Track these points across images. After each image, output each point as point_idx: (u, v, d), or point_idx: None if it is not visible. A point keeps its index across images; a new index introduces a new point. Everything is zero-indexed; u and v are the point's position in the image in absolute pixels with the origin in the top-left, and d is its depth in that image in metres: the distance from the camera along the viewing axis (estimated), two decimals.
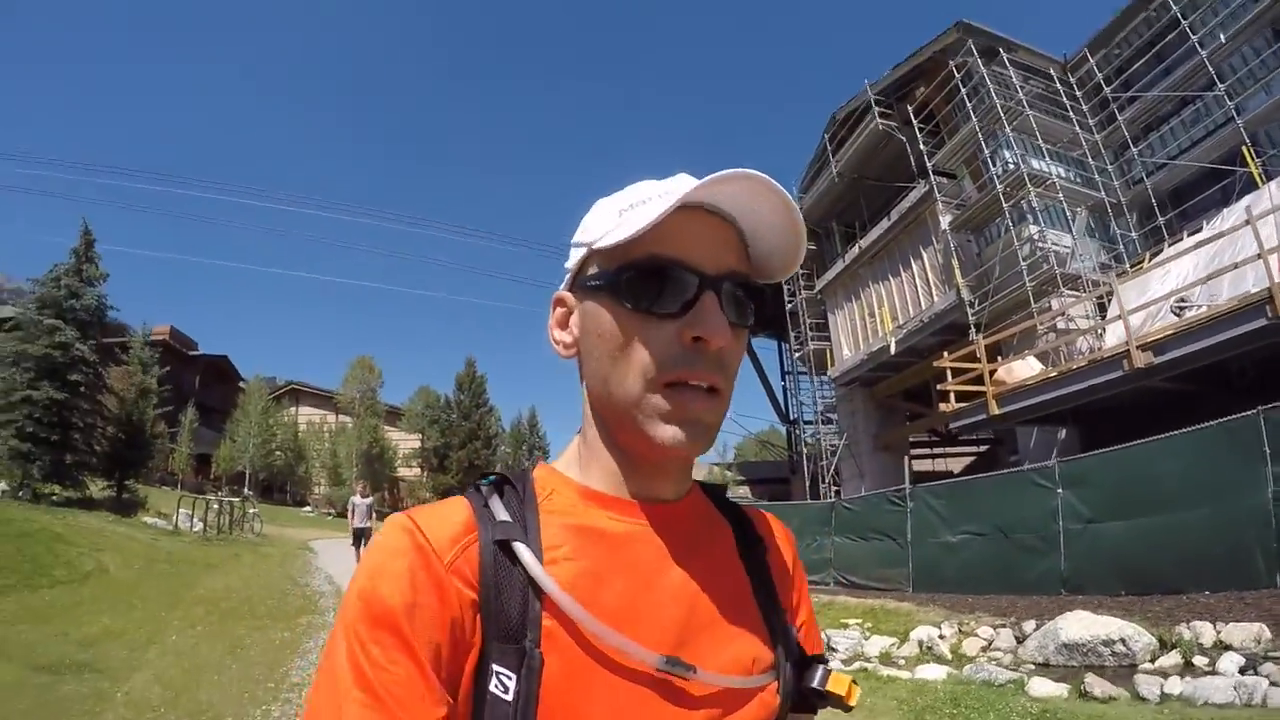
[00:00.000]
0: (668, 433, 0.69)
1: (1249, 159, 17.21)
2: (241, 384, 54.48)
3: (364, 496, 15.75)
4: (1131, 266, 17.40)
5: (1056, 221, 20.40)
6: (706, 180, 0.66)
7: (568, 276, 0.79)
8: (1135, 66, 21.43)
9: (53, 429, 17.13)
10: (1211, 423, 9.05)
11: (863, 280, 24.75)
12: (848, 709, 0.81)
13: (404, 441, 56.88)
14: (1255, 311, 10.96)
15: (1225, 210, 14.51)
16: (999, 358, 16.77)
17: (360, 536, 15.09)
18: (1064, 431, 17.50)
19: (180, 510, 19.68)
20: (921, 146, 22.34)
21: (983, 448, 25.98)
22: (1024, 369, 16.13)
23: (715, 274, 0.70)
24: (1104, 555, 9.88)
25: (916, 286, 22.40)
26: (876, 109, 23.81)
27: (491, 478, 0.76)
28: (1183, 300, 13.72)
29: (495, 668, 0.62)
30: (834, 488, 25.01)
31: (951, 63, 21.93)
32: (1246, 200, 13.30)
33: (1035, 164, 20.75)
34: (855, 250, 25.11)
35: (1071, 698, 6.51)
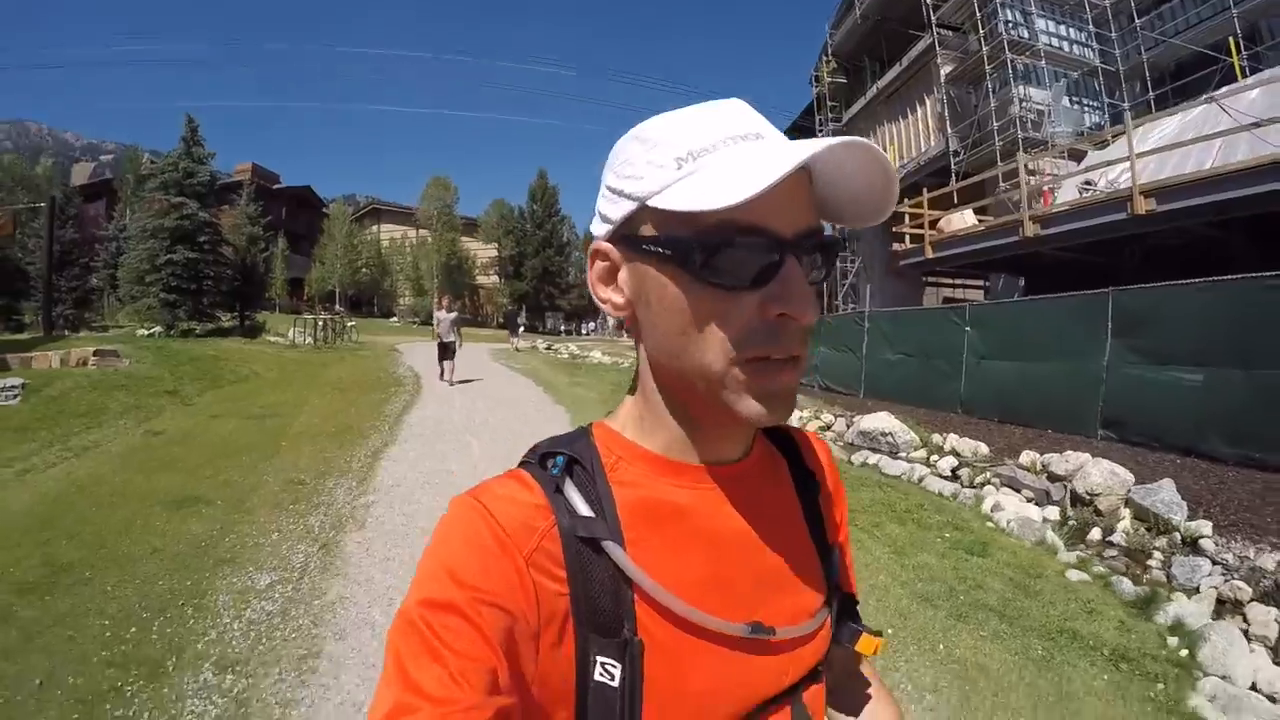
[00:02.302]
0: (753, 408, 0.65)
1: (1233, 50, 17.49)
2: (325, 210, 57.75)
3: (448, 311, 15.95)
4: (1112, 136, 17.38)
5: (1043, 84, 21.18)
6: (818, 150, 0.57)
7: (608, 227, 0.70)
8: None
9: (190, 280, 22.30)
10: (1076, 293, 10.11)
11: (879, 118, 26.39)
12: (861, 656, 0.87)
13: (481, 251, 60.19)
14: (1119, 206, 12.37)
15: (1213, 94, 14.19)
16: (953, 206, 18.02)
17: (445, 351, 15.46)
18: (1022, 280, 19.44)
19: (294, 329, 25.01)
20: (928, 0, 22.95)
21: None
22: (959, 221, 17.48)
23: (794, 236, 0.64)
24: (990, 386, 11.28)
25: (918, 130, 24.19)
26: None
27: (560, 459, 0.71)
28: (1088, 182, 15.14)
29: (599, 659, 0.63)
30: (850, 305, 26.63)
31: None
32: (1223, 91, 13.40)
33: (1040, 23, 21.49)
34: (874, 90, 26.37)
35: None
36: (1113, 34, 22.11)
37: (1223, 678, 3.94)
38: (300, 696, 3.41)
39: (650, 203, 0.65)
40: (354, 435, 9.58)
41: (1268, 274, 7.49)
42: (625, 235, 0.69)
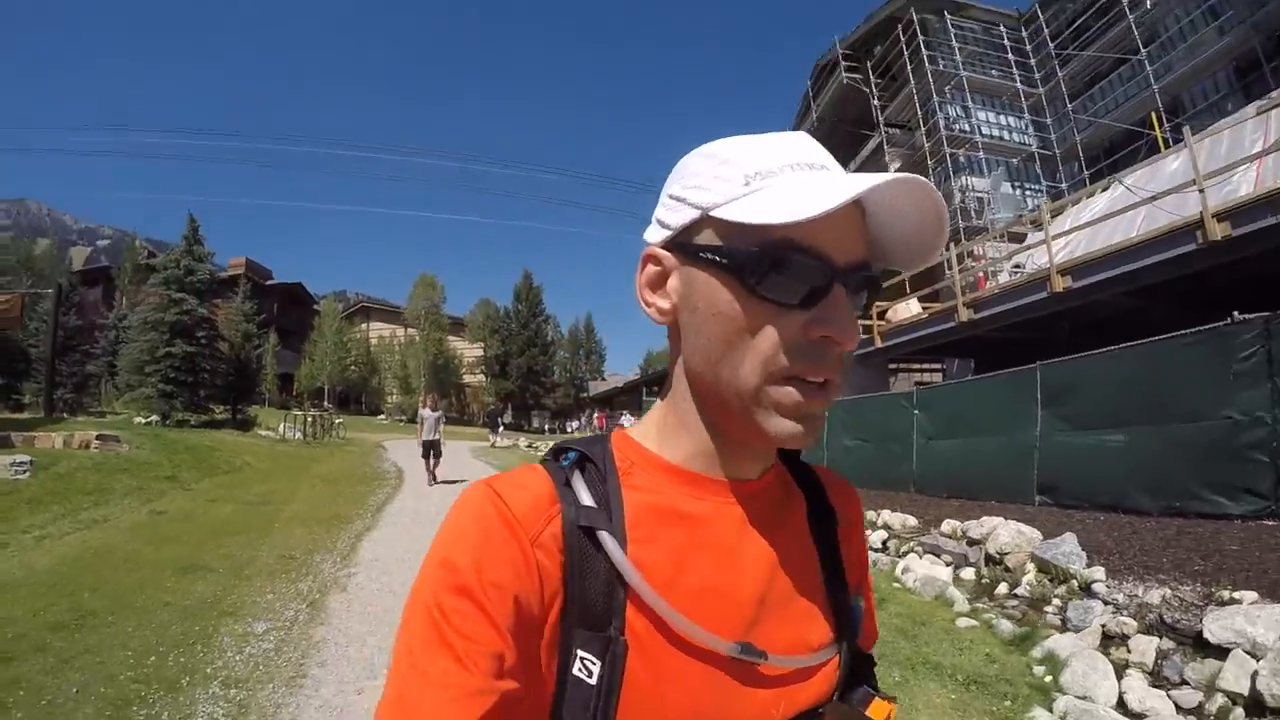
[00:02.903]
0: (783, 427, 0.67)
1: (1154, 124, 18.78)
2: (316, 307, 58.62)
3: (432, 410, 16.40)
4: (1051, 215, 17.58)
5: (983, 174, 22.90)
6: (881, 181, 0.60)
7: (666, 233, 0.72)
8: (1081, 21, 22.56)
9: (187, 373, 23.44)
10: (1008, 370, 10.61)
11: None
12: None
13: (467, 351, 61.06)
14: (1040, 285, 13.22)
15: (1128, 170, 15.27)
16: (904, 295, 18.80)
17: (430, 449, 15.83)
18: (973, 361, 20.16)
19: (284, 424, 26.05)
20: (876, 102, 24.97)
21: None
22: (905, 310, 18.36)
23: (844, 265, 0.66)
24: (938, 464, 11.71)
25: None
26: (844, 64, 26.56)
27: (572, 455, 0.74)
28: (1017, 266, 16.20)
29: (580, 652, 0.63)
30: None
31: (899, 26, 24.26)
32: (1149, 162, 14.37)
33: (981, 115, 23.32)
34: None
35: None
36: (1048, 120, 23.82)
37: (1081, 697, 4.64)
38: (289, 702, 4.36)
39: (714, 213, 0.66)
40: (340, 521, 10.58)
41: (1171, 335, 8.11)
42: (682, 243, 0.70)
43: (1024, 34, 25.22)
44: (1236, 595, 5.40)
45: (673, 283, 0.72)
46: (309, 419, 27.17)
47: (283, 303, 60.31)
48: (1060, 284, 12.65)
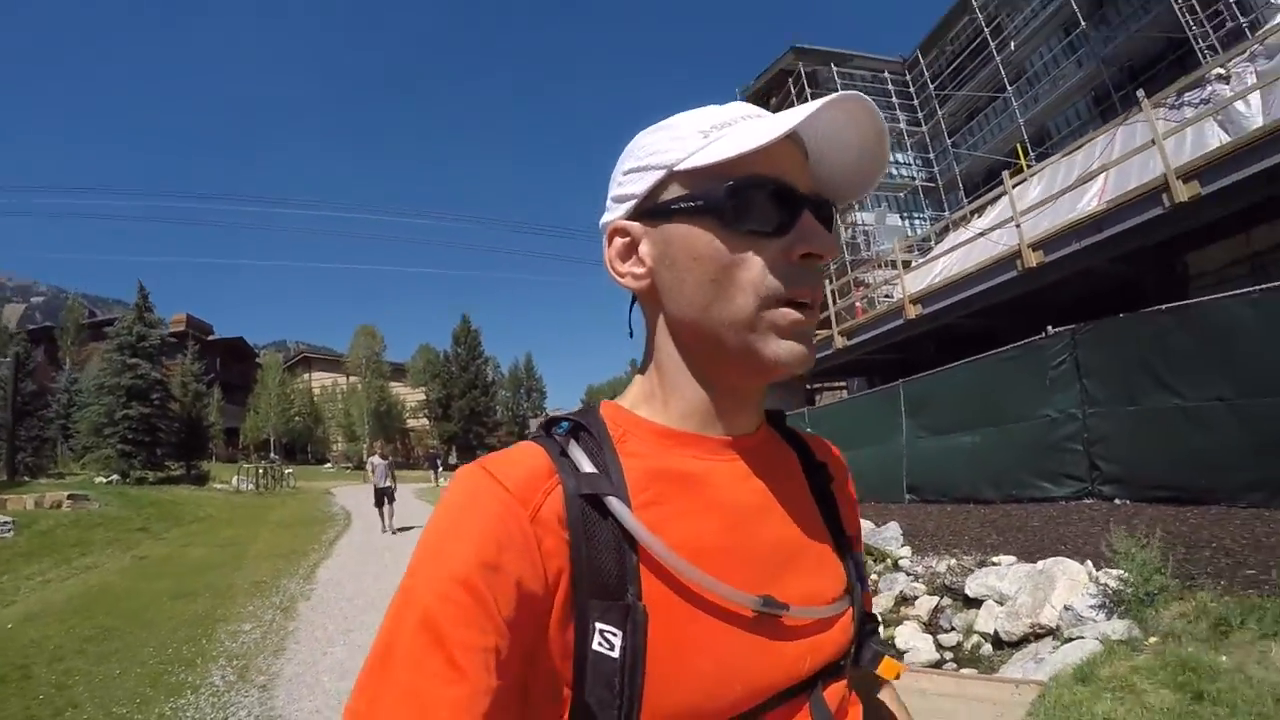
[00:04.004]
0: (784, 349, 0.68)
1: (1020, 154, 20.72)
2: (258, 360, 58.85)
3: (382, 457, 16.53)
4: (935, 237, 20.07)
5: (871, 209, 25.28)
6: (823, 104, 0.64)
7: (629, 204, 0.74)
8: (957, 63, 25.09)
9: (144, 433, 24.76)
10: (878, 388, 11.91)
11: None
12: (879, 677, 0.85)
13: (409, 395, 61.33)
14: (897, 314, 14.81)
15: (992, 195, 16.94)
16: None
17: (382, 496, 15.71)
18: (866, 380, 21.32)
19: (237, 477, 27.61)
20: None
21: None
22: None
23: (808, 193, 0.70)
24: None
25: None
26: None
27: (565, 424, 0.72)
28: (887, 295, 17.91)
29: (599, 625, 0.60)
30: None
31: (789, 79, 26.89)
32: (1015, 186, 14.95)
33: None
34: None
35: None
36: (931, 155, 26.40)
37: None
38: (276, 663, 6.34)
39: (679, 167, 0.69)
40: (299, 555, 12.44)
41: (998, 350, 9.32)
42: (649, 207, 0.72)
43: (907, 78, 28.00)
44: (997, 559, 6.99)
45: (644, 248, 0.73)
46: (260, 470, 28.69)
47: (225, 358, 59.73)
48: (912, 311, 14.37)
